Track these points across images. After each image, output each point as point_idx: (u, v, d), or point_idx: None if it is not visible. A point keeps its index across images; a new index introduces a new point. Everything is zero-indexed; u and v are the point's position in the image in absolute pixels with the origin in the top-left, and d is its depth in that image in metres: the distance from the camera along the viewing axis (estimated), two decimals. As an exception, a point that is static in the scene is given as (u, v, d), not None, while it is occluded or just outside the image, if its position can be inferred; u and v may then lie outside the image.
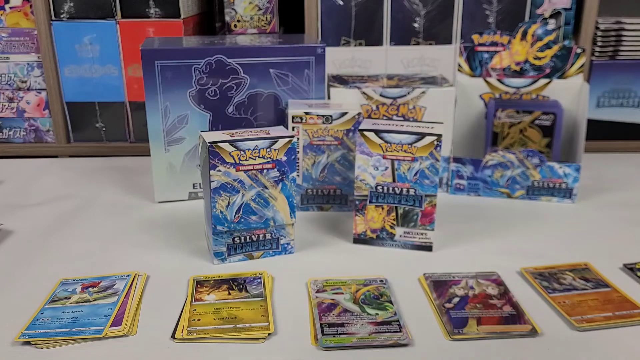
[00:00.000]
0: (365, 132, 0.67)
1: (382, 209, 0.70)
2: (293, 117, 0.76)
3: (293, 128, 0.77)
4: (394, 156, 0.67)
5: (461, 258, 0.69)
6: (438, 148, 0.66)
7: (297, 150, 0.67)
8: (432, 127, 0.69)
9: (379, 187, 0.69)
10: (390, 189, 0.69)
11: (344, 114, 0.77)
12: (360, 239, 0.72)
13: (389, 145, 0.67)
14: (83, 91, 1.01)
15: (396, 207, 0.69)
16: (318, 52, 0.81)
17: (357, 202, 0.70)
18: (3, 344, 0.53)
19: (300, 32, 1.04)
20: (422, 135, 0.66)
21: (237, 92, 0.81)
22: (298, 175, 0.77)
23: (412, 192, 0.68)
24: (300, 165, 0.78)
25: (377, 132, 0.67)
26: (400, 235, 0.71)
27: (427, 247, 0.70)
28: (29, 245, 0.71)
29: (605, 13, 1.01)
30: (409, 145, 0.66)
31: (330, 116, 0.76)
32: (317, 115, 0.75)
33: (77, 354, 0.52)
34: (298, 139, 0.70)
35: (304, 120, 0.75)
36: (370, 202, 0.70)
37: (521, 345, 0.53)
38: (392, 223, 0.70)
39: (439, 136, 0.66)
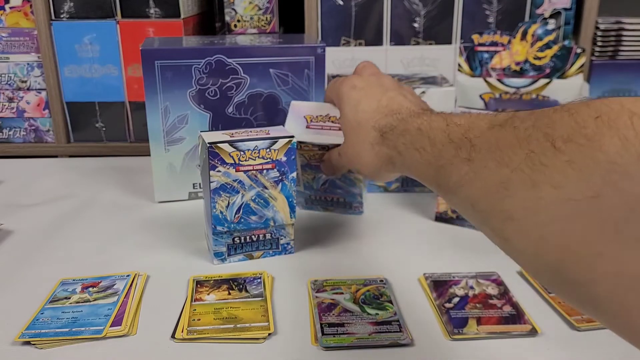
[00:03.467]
0: None
1: None
2: None
3: None
4: None
5: (461, 258, 0.69)
6: None
7: (296, 167, 0.64)
8: None
9: None
10: None
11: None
12: (441, 218, 0.77)
13: None
14: (83, 91, 1.01)
15: None
16: (318, 52, 0.81)
17: None
18: (3, 344, 0.53)
19: (300, 32, 1.04)
20: None
21: (237, 92, 0.81)
22: (299, 186, 0.76)
23: None
24: (299, 178, 0.77)
25: None
26: None
27: None
28: (29, 245, 0.72)
29: (605, 13, 1.01)
30: None
31: (327, 146, 0.71)
32: (312, 145, 0.72)
33: (77, 354, 0.52)
34: (294, 158, 0.65)
35: (298, 148, 0.72)
36: None
37: (521, 345, 0.53)
38: None
39: None
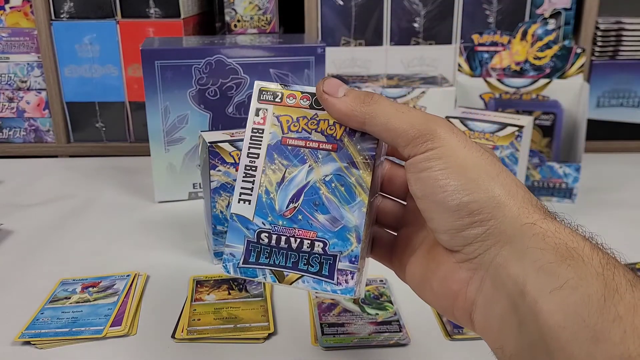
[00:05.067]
0: (451, 119, 0.72)
1: None
2: (261, 92, 0.41)
3: (258, 111, 0.40)
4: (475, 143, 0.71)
5: (461, 258, 0.69)
6: (519, 138, 0.70)
7: (256, 153, 0.39)
8: (518, 119, 0.72)
9: None
10: None
11: None
12: None
13: (472, 132, 0.71)
14: (83, 91, 1.01)
15: None
16: (318, 52, 0.81)
17: None
18: (3, 344, 0.53)
19: (300, 32, 1.04)
20: (503, 125, 0.70)
21: (237, 92, 0.81)
22: (246, 202, 0.39)
23: None
24: (256, 184, 0.39)
25: (462, 120, 0.72)
26: None
27: None
28: (29, 245, 0.71)
29: (605, 13, 1.01)
30: (491, 134, 0.71)
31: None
32: (303, 93, 0.40)
33: (77, 354, 0.52)
34: (262, 131, 0.40)
35: (277, 99, 0.40)
36: None
37: (521, 345, 0.53)
38: None
39: (521, 127, 0.70)
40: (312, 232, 0.38)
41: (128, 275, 0.63)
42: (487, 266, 0.32)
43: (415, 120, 0.35)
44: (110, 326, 0.54)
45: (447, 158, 0.34)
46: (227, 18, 1.03)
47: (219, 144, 0.62)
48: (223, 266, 0.38)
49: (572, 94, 0.87)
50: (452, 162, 0.33)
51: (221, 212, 0.64)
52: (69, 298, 0.59)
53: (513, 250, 0.31)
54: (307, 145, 0.39)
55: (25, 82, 1.01)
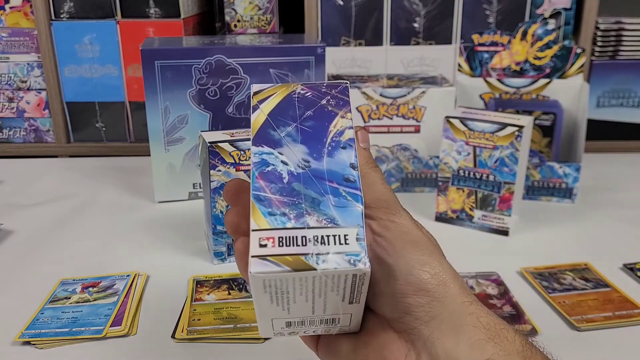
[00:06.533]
0: (451, 119, 0.73)
1: (463, 191, 0.75)
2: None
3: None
4: (475, 143, 0.72)
5: (461, 258, 0.68)
6: (519, 138, 0.70)
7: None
8: (518, 119, 0.73)
9: (460, 171, 0.74)
10: (471, 173, 0.73)
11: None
12: (441, 218, 0.78)
13: (472, 132, 0.72)
14: (83, 91, 1.01)
15: (476, 191, 0.74)
16: (318, 52, 0.81)
17: (440, 183, 0.76)
18: (3, 344, 0.53)
19: (300, 32, 1.04)
20: (503, 125, 0.71)
21: (237, 92, 0.81)
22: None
23: (491, 178, 0.72)
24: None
25: (462, 120, 0.73)
26: (479, 218, 0.75)
27: (504, 232, 0.74)
28: (29, 245, 0.71)
29: (605, 13, 1.01)
30: (491, 134, 0.71)
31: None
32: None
33: (77, 354, 0.52)
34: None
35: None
36: (452, 184, 0.75)
37: (521, 345, 0.53)
38: (472, 205, 0.75)
39: (521, 127, 0.70)
40: None
41: (128, 276, 0.63)
42: (425, 339, 0.34)
43: (386, 197, 0.37)
44: (110, 326, 0.54)
45: (405, 228, 0.36)
46: (227, 18, 1.03)
47: (219, 144, 0.62)
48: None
49: (572, 94, 0.87)
50: (411, 234, 0.35)
51: (221, 212, 0.64)
52: (69, 298, 0.59)
53: (451, 326, 0.34)
54: None
55: (25, 82, 1.01)
